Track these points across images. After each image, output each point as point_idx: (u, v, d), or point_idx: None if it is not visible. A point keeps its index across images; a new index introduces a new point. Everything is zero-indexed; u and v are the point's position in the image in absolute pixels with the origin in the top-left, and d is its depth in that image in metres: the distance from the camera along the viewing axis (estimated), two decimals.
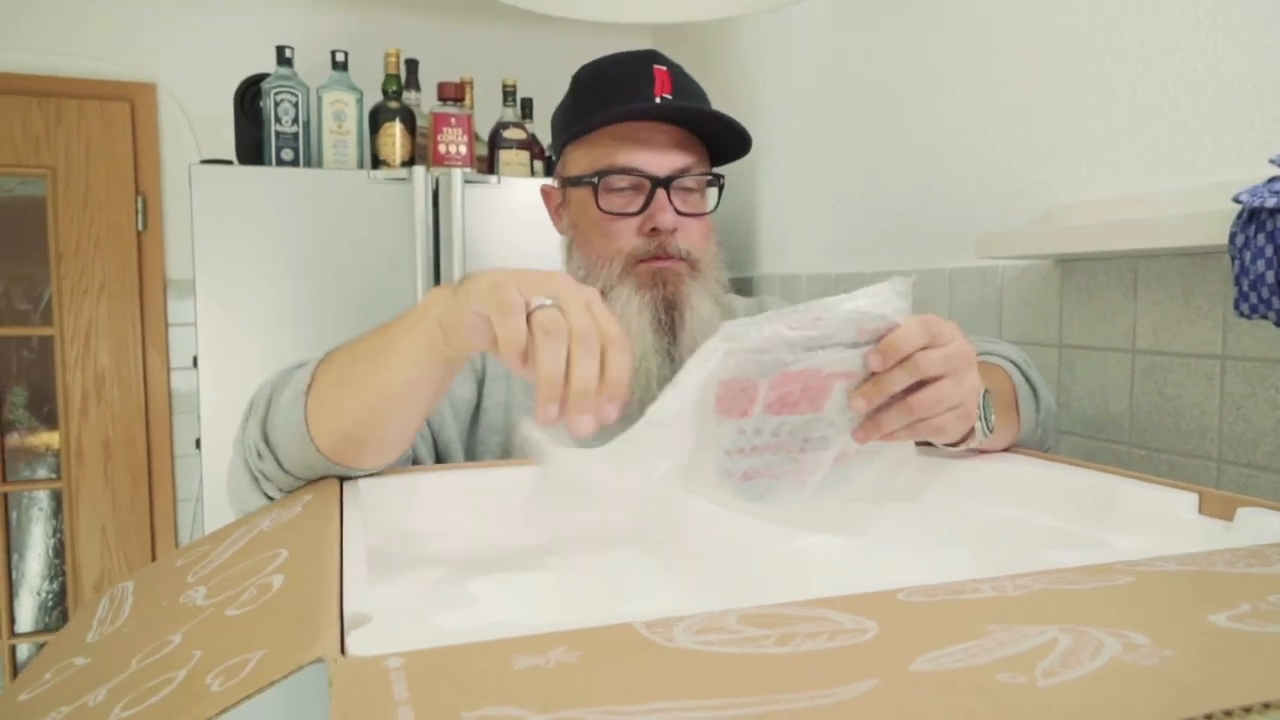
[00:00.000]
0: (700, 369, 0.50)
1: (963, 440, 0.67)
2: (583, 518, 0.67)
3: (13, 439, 2.13)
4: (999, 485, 0.70)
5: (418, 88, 1.90)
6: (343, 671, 0.30)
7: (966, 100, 1.27)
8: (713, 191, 0.89)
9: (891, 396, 0.58)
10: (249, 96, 1.76)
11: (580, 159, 0.87)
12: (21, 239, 2.10)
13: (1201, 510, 0.60)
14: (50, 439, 2.13)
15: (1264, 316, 0.69)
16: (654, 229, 0.83)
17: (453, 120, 1.72)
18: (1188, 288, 0.92)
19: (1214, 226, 0.77)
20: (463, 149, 1.73)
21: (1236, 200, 0.69)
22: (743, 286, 1.89)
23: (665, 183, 0.83)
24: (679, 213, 0.84)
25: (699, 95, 0.89)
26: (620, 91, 0.84)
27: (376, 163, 1.75)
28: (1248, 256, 0.68)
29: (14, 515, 2.15)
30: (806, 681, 0.25)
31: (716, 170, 0.89)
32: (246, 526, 0.60)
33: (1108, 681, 0.24)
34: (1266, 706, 0.21)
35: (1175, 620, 0.30)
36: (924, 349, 0.57)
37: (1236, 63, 0.88)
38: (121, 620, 0.48)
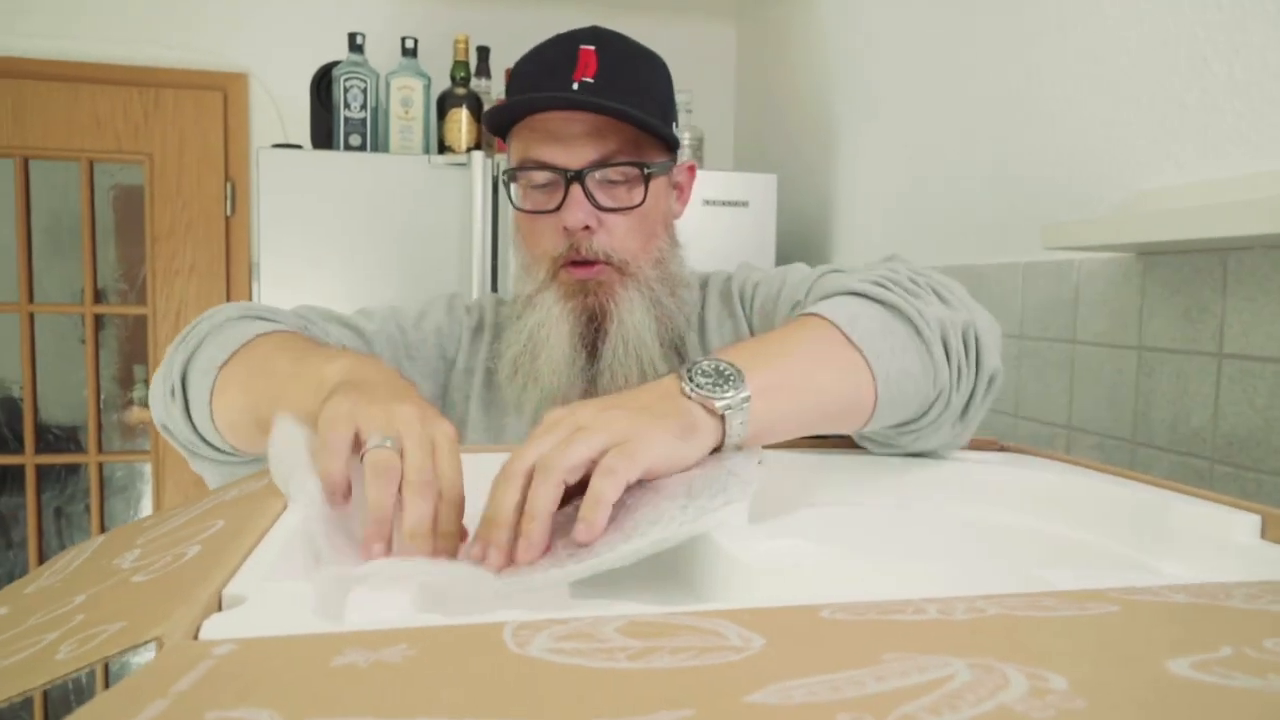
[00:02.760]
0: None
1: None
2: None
3: (111, 414, 2.24)
4: (1038, 498, 0.63)
5: (489, 75, 1.90)
6: (164, 653, 0.28)
7: (1046, 78, 1.17)
8: (658, 183, 0.80)
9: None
10: (324, 83, 1.79)
11: (511, 154, 0.82)
12: (123, 223, 2.21)
13: (1264, 534, 0.52)
14: (145, 414, 2.24)
15: None
16: (565, 227, 0.77)
17: None
18: None
19: None
20: None
21: None
22: None
23: (578, 176, 0.76)
24: (601, 208, 0.77)
25: (631, 75, 0.78)
26: (541, 79, 0.78)
27: (443, 148, 1.76)
28: None
29: (123, 487, 2.27)
30: (617, 706, 0.21)
31: (642, 161, 0.78)
32: (219, 494, 0.59)
33: None
34: None
35: (1122, 662, 0.24)
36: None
37: None
38: (63, 575, 0.47)
